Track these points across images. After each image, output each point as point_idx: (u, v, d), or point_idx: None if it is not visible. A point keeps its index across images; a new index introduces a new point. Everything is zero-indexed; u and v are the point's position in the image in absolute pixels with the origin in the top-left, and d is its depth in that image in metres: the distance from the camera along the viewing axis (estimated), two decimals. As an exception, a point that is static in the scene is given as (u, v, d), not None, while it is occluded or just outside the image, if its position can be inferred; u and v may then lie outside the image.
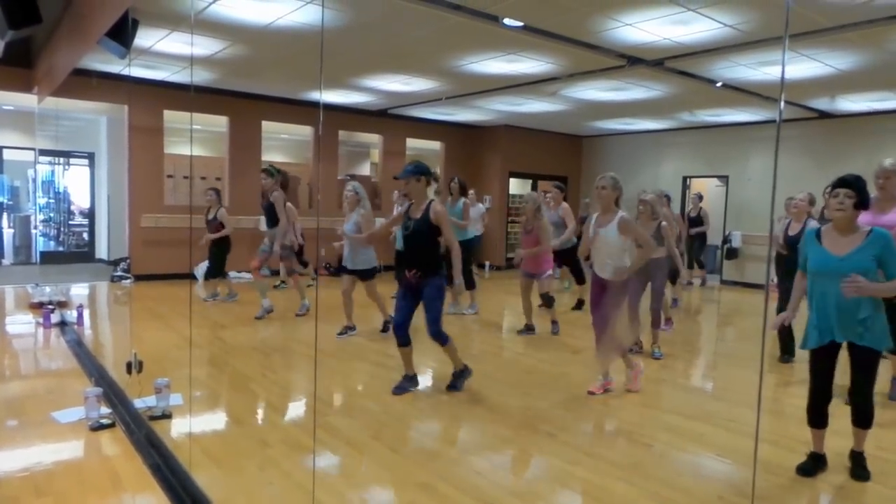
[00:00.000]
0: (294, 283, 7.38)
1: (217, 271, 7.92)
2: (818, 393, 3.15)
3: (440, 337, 4.38)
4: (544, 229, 6.27)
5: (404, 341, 4.44)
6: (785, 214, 5.81)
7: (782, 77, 7.54)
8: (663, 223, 5.68)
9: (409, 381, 4.54)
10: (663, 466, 3.32)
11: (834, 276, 2.95)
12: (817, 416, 3.17)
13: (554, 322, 6.59)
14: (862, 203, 2.97)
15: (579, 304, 7.98)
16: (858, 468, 3.18)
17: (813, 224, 4.74)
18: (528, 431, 3.77)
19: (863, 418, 3.12)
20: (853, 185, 2.97)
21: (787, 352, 5.54)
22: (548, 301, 6.50)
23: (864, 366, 3.04)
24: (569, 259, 7.75)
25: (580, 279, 8.01)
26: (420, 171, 4.32)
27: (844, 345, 3.08)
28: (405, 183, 4.31)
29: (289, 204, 8.81)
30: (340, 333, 6.10)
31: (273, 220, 7.04)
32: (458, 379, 4.53)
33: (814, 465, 3.22)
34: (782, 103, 8.80)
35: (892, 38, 5.93)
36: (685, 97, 9.14)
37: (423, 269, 4.29)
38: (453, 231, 4.51)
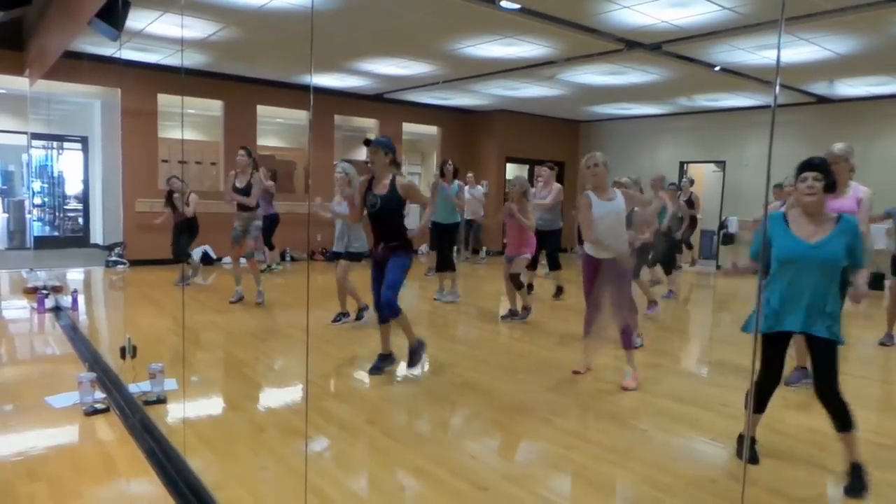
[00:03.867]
0: (251, 268, 6.84)
1: (179, 256, 7.85)
2: (768, 379, 3.04)
3: (392, 307, 4.29)
4: (529, 212, 6.23)
5: (385, 317, 4.46)
6: (772, 199, 5.80)
7: (777, 60, 7.49)
8: (636, 208, 5.61)
9: (384, 360, 4.54)
10: (657, 450, 3.33)
11: (806, 265, 2.85)
12: (762, 402, 3.08)
13: (526, 308, 6.41)
14: (830, 186, 2.83)
15: (559, 292, 7.75)
16: (856, 481, 2.86)
17: None
18: (522, 416, 3.78)
19: (842, 418, 2.88)
20: (821, 167, 2.84)
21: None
22: (516, 283, 6.34)
23: (828, 358, 2.88)
24: (549, 243, 7.44)
25: (556, 265, 7.71)
26: (390, 147, 4.37)
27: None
28: (373, 151, 4.31)
29: (269, 182, 9.03)
30: (335, 320, 6.09)
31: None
32: (415, 354, 4.45)
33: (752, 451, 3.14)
34: (777, 87, 8.75)
35: (892, 22, 5.89)
36: (683, 81, 9.09)
37: (392, 245, 4.31)
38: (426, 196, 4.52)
